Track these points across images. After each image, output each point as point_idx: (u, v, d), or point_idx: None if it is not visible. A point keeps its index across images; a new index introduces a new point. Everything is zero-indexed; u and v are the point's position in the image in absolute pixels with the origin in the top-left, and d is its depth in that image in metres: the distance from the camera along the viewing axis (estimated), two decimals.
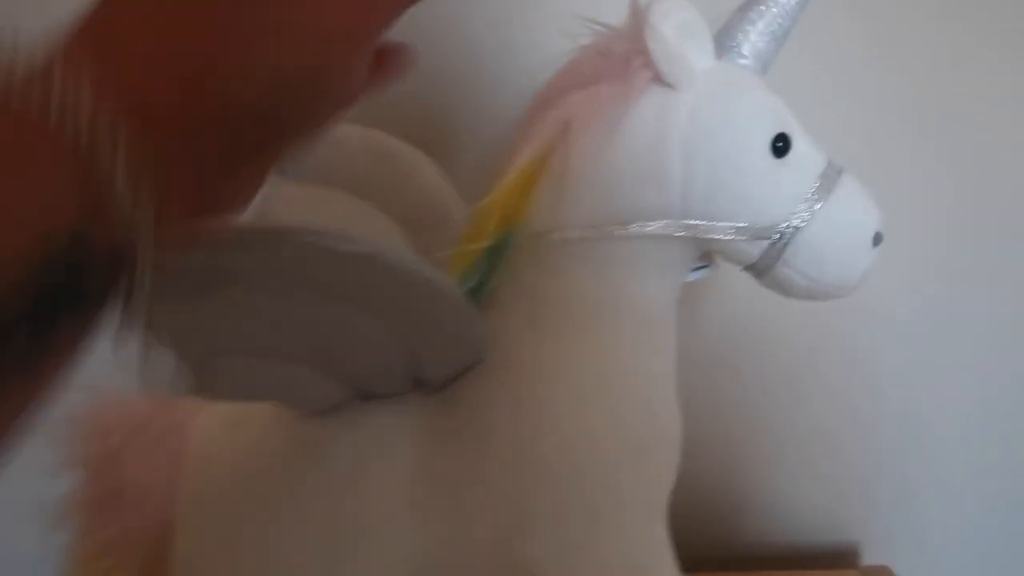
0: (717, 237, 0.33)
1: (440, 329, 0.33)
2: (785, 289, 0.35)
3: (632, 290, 0.35)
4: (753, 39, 0.35)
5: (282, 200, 0.41)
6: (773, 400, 0.64)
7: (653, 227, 0.33)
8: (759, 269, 0.35)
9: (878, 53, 0.58)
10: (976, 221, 0.61)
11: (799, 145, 0.34)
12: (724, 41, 0.35)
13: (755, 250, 0.34)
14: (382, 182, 0.43)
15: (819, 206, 0.33)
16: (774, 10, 0.35)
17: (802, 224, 0.33)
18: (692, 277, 0.38)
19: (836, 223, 0.34)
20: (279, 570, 0.35)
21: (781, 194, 0.33)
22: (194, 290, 0.26)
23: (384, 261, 0.28)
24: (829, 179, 0.34)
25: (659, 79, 0.33)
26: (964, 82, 0.59)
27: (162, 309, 0.24)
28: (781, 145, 0.33)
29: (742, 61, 0.35)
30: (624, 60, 0.33)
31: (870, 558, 0.67)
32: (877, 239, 0.35)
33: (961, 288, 0.62)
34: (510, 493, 0.34)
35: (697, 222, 0.33)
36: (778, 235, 0.33)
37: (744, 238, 0.33)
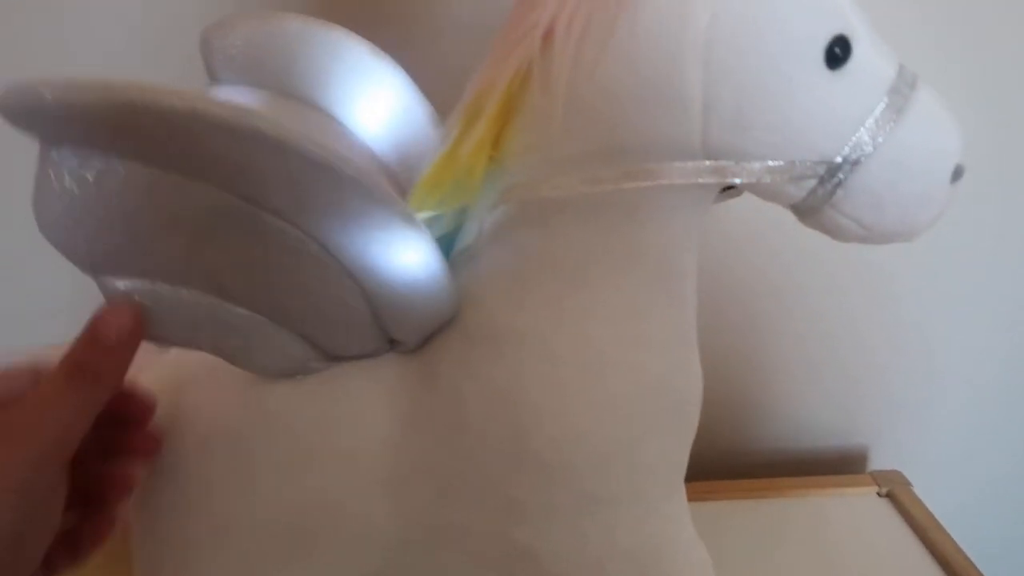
0: (752, 179, 0.26)
1: (399, 272, 0.27)
2: (832, 234, 0.28)
3: (641, 240, 0.28)
4: None
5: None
6: (784, 311, 0.60)
7: (667, 173, 0.25)
8: (801, 210, 0.28)
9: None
10: (997, 151, 0.55)
11: (863, 49, 0.25)
12: None
13: (798, 191, 0.26)
14: (341, 82, 0.36)
15: (886, 132, 0.25)
16: None
17: (861, 158, 0.25)
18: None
19: (907, 154, 0.25)
20: (240, 552, 0.31)
21: (836, 118, 0.25)
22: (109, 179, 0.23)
23: (349, 178, 0.24)
24: (900, 95, 0.25)
25: None
26: None
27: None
28: (838, 51, 0.25)
29: None
30: None
31: (880, 463, 0.65)
32: (957, 173, 0.26)
33: (976, 208, 0.56)
34: (500, 478, 0.29)
35: (724, 162, 0.25)
36: (829, 172, 0.26)
37: (787, 178, 0.26)
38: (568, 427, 0.28)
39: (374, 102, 0.36)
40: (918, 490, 0.58)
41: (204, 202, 0.25)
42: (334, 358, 0.31)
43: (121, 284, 0.26)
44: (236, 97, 0.36)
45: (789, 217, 0.29)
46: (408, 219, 0.25)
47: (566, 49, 0.25)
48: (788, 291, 0.60)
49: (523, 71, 0.26)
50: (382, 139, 0.36)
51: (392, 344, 0.31)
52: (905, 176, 0.26)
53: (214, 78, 0.37)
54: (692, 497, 0.34)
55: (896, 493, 0.58)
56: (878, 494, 0.59)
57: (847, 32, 0.25)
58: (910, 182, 0.26)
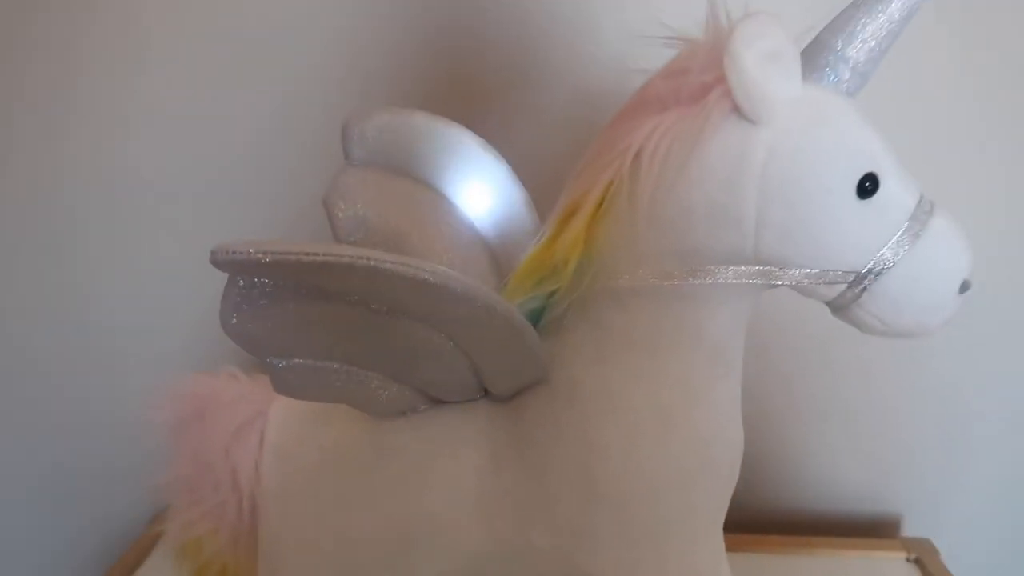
0: (793, 283, 0.32)
1: (499, 346, 0.34)
2: (858, 326, 0.34)
3: (700, 322, 0.34)
4: (851, 55, 0.32)
5: (351, 189, 0.43)
6: (819, 378, 0.65)
7: (725, 275, 0.32)
8: (833, 307, 0.34)
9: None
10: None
11: (889, 184, 0.31)
12: (815, 58, 0.32)
13: (830, 292, 0.33)
14: (455, 169, 0.43)
15: (904, 252, 0.31)
16: (881, 19, 0.32)
17: (883, 271, 0.31)
18: None
19: (921, 270, 0.31)
20: (354, 554, 0.39)
21: (863, 238, 0.31)
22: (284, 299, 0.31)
23: (449, 288, 0.31)
24: (918, 221, 0.31)
25: (738, 111, 0.30)
26: None
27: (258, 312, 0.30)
28: (869, 186, 0.31)
29: (836, 80, 0.32)
30: (701, 88, 0.31)
31: (911, 530, 0.69)
32: (964, 287, 0.32)
33: (1002, 270, 0.62)
34: (569, 510, 0.36)
35: (770, 268, 0.32)
36: (857, 279, 0.32)
37: (821, 282, 0.32)
38: (631, 465, 0.34)
39: (481, 186, 0.43)
40: (947, 557, 0.62)
41: (369, 315, 0.32)
42: (438, 402, 0.38)
43: (279, 363, 0.34)
44: (368, 176, 0.44)
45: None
46: (513, 317, 0.33)
47: (651, 171, 0.31)
48: (825, 361, 0.65)
49: (615, 184, 0.33)
50: (484, 218, 0.43)
51: (486, 392, 0.38)
52: (919, 287, 0.32)
53: (348, 158, 0.44)
54: (731, 547, 0.40)
55: (924, 560, 0.62)
56: (907, 559, 0.63)
57: (876, 170, 0.31)
58: (923, 292, 0.32)
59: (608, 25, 0.54)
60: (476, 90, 0.57)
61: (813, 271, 0.32)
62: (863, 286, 0.32)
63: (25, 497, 0.70)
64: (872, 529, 0.69)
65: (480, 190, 0.43)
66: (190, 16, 0.57)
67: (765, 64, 0.30)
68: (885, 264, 0.31)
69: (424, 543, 0.38)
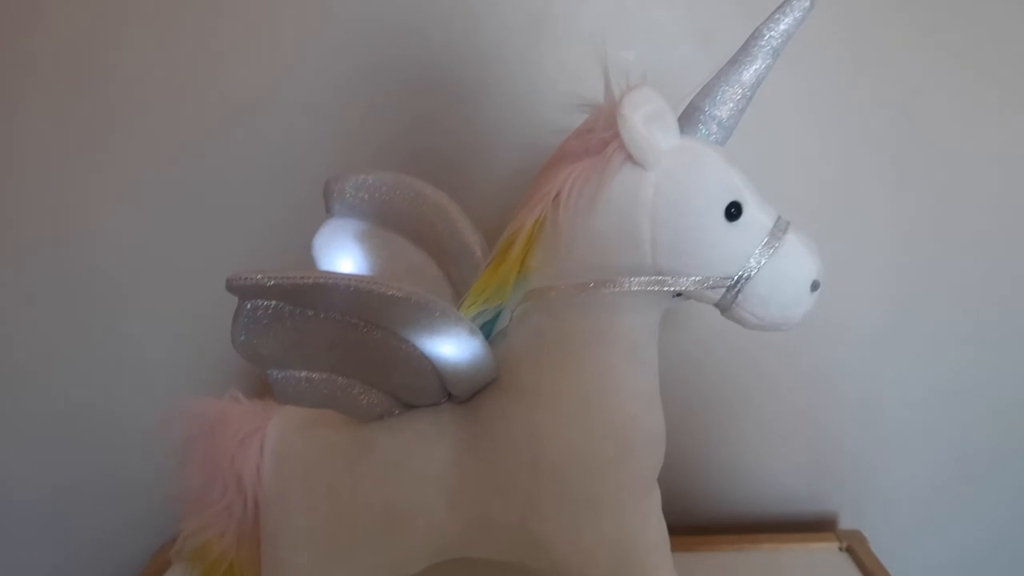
0: (682, 289, 0.41)
1: (456, 354, 0.42)
2: (740, 323, 0.43)
3: (619, 324, 0.43)
4: (717, 114, 0.42)
5: (333, 237, 0.51)
6: (757, 392, 0.74)
7: (628, 284, 0.40)
8: (720, 308, 0.43)
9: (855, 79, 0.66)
10: (928, 242, 0.70)
11: (750, 210, 0.41)
12: (690, 117, 0.42)
13: (715, 295, 0.42)
14: (417, 218, 0.52)
15: (765, 260, 0.40)
16: (736, 88, 0.42)
17: (750, 276, 0.40)
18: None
19: (779, 275, 0.41)
20: (346, 540, 0.46)
21: (733, 252, 0.40)
22: (283, 318, 0.39)
23: (412, 301, 0.39)
24: (775, 237, 0.40)
25: (631, 159, 0.40)
26: (928, 113, 0.67)
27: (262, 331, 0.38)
28: (734, 211, 0.40)
29: (707, 133, 0.42)
30: (603, 142, 0.40)
31: (845, 525, 0.77)
32: (815, 286, 0.41)
33: (914, 295, 0.71)
34: (519, 487, 0.43)
35: (664, 277, 0.41)
36: (732, 284, 0.41)
37: (704, 287, 0.41)
38: (563, 445, 0.42)
39: (441, 231, 0.52)
40: (880, 551, 0.69)
41: (350, 329, 0.40)
42: (410, 406, 0.46)
43: (279, 375, 0.42)
44: (346, 227, 0.52)
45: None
46: (465, 325, 0.41)
47: (567, 207, 0.41)
48: (763, 377, 0.73)
49: (541, 218, 0.42)
50: (444, 254, 0.52)
51: (450, 396, 0.46)
52: (780, 287, 0.41)
53: (330, 212, 0.53)
54: (683, 548, 0.47)
55: (855, 547, 0.69)
56: (839, 548, 0.70)
57: (739, 199, 0.40)
58: (783, 291, 0.41)
59: (549, 94, 0.65)
60: (438, 151, 0.67)
61: (698, 278, 0.41)
62: (738, 289, 0.41)
63: (36, 510, 0.76)
64: (811, 527, 0.76)
65: (440, 233, 0.52)
66: (178, 82, 0.67)
67: (649, 123, 0.39)
68: (751, 271, 0.40)
69: (402, 525, 0.45)
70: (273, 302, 0.39)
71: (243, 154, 0.68)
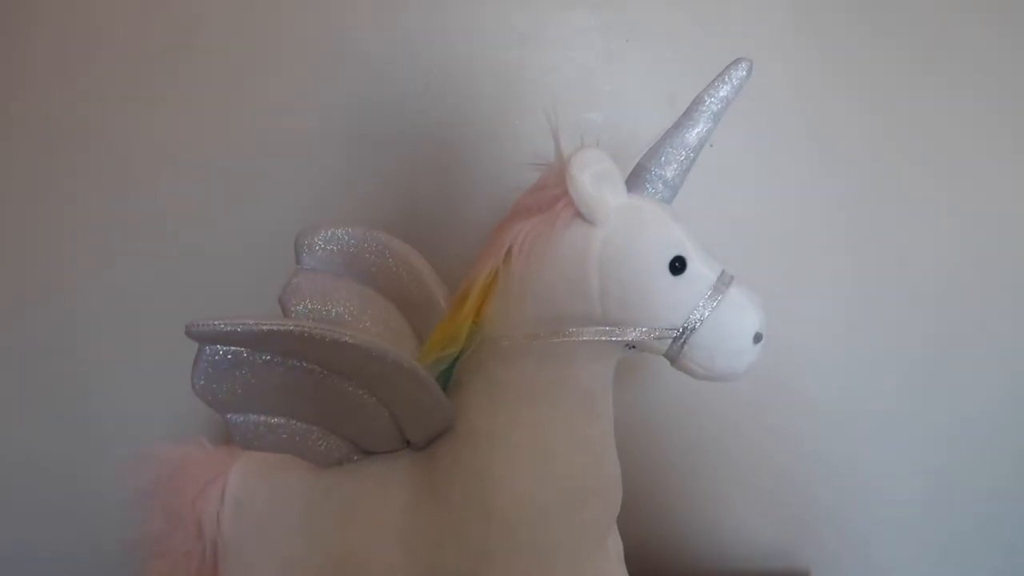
0: (630, 339, 0.42)
1: (415, 402, 0.44)
2: (689, 374, 0.44)
3: (571, 374, 0.44)
4: (663, 174, 0.44)
5: (301, 289, 0.53)
6: (729, 445, 0.74)
7: (577, 334, 0.42)
8: (669, 358, 0.44)
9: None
10: (890, 299, 0.72)
11: (694, 264, 0.42)
12: (638, 176, 0.44)
13: (662, 346, 0.43)
14: (384, 270, 0.54)
15: (709, 312, 0.42)
16: (680, 150, 0.44)
17: (695, 328, 0.42)
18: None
19: (722, 327, 0.42)
20: None
21: (678, 303, 0.42)
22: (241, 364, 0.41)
23: (364, 348, 0.40)
24: (719, 291, 0.42)
25: (579, 215, 0.42)
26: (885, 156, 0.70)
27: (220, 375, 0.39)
28: (678, 265, 0.42)
29: (653, 191, 0.44)
30: (553, 199, 0.42)
31: None
32: (757, 338, 0.43)
33: (886, 349, 0.73)
34: (473, 535, 0.44)
35: (612, 328, 0.42)
36: (677, 335, 0.42)
37: (651, 337, 0.42)
38: (516, 495, 0.43)
39: (407, 282, 0.53)
40: None
41: (306, 375, 0.42)
42: (368, 453, 0.47)
43: (237, 419, 0.43)
44: (316, 278, 0.54)
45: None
46: (418, 373, 0.42)
47: (519, 260, 0.42)
48: (735, 430, 0.74)
49: (494, 272, 0.43)
50: (409, 305, 0.54)
51: (407, 443, 0.47)
52: (724, 338, 0.42)
53: (299, 263, 0.55)
54: None
55: None
56: None
57: (684, 254, 0.42)
58: (728, 342, 0.42)
59: (514, 154, 0.68)
60: (408, 206, 0.70)
61: (644, 329, 0.42)
62: (683, 340, 0.42)
63: None
64: None
65: (406, 285, 0.54)
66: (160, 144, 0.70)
67: (596, 181, 0.41)
68: (696, 323, 0.42)
69: (358, 571, 0.45)
70: (232, 348, 0.40)
71: (217, 205, 0.71)
